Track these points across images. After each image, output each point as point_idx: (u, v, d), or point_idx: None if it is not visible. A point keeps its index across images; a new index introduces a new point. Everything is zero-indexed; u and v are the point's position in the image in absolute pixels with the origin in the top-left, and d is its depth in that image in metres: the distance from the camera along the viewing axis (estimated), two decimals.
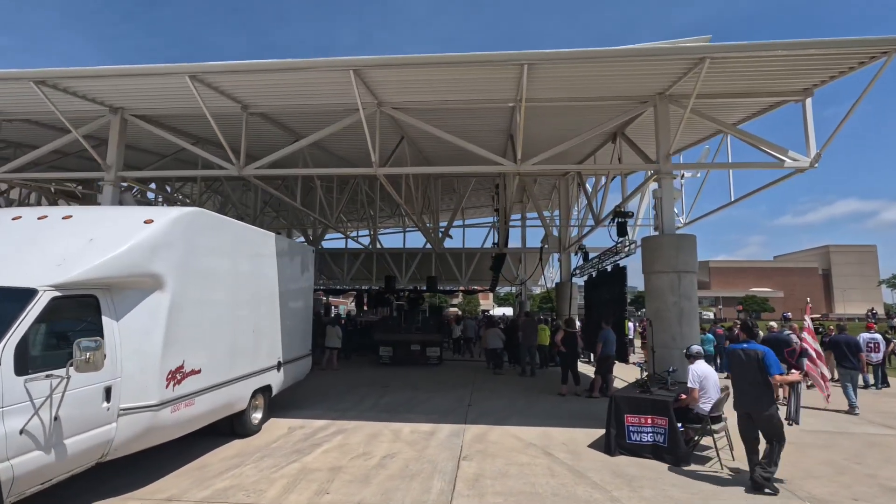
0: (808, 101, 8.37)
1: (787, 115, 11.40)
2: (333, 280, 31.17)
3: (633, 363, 13.22)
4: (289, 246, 8.37)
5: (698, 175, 13.67)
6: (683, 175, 14.14)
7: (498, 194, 16.88)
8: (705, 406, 5.99)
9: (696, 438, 6.14)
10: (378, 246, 24.46)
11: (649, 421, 6.13)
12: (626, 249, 11.43)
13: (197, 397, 5.40)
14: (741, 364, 5.22)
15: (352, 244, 26.64)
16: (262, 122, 9.96)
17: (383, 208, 22.25)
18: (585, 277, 15.81)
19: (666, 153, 8.45)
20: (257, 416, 7.18)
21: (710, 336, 14.98)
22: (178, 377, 5.05)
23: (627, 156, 10.80)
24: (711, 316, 71.98)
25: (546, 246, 19.25)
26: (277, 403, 8.73)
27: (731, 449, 6.21)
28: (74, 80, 7.97)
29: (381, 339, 16.16)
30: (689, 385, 6.09)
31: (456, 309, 59.14)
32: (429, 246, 23.11)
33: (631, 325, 19.17)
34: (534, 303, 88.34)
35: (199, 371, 5.42)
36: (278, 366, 7.64)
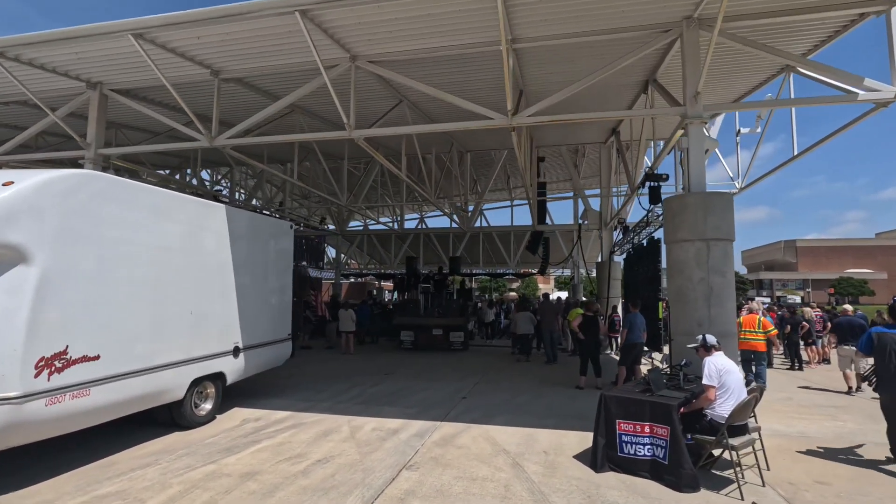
0: (894, 10, 6.29)
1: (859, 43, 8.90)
2: (383, 264, 31.17)
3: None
4: (251, 221, 7.60)
5: (757, 130, 11.42)
6: (739, 132, 11.94)
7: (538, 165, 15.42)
8: (723, 410, 4.48)
9: (711, 454, 4.67)
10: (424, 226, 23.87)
11: (647, 429, 4.71)
12: (660, 219, 9.66)
13: (94, 387, 4.72)
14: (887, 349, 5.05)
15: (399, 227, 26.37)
16: (241, 90, 9.23)
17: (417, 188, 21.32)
18: (624, 255, 14.03)
19: (694, 92, 6.72)
20: (206, 406, 6.51)
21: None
22: (59, 364, 4.37)
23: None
24: (798, 300, 65.19)
25: (585, 222, 17.50)
26: (250, 391, 8.13)
27: (762, 469, 4.68)
28: (27, 49, 7.57)
29: (402, 324, 15.34)
30: (704, 381, 4.61)
31: (514, 293, 57.62)
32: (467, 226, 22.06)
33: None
34: (588, 285, 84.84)
35: (96, 357, 4.73)
36: (235, 351, 6.92)
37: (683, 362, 5.42)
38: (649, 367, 7.46)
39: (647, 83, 9.18)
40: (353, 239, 33.86)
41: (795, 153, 8.95)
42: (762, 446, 5.01)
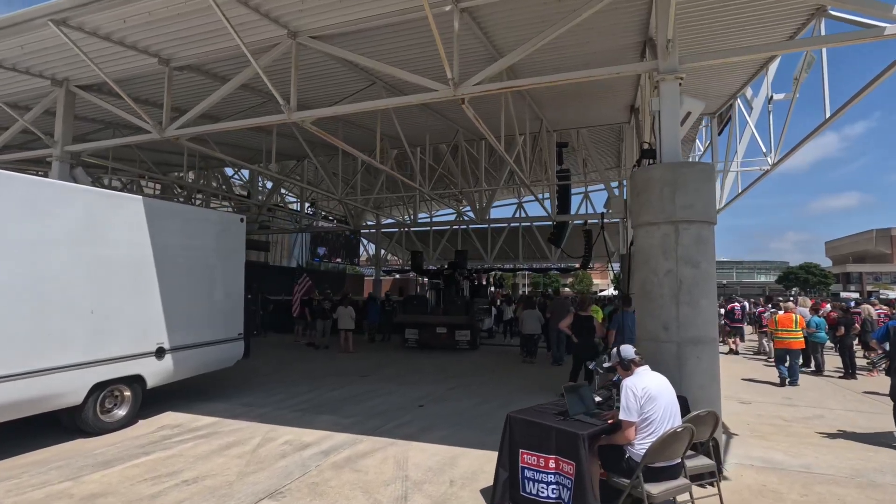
0: None
1: None
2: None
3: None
4: (183, 214, 7.16)
5: (796, 96, 9.58)
6: (772, 98, 10.15)
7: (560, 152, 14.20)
8: (641, 448, 3.36)
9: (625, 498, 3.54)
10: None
11: (552, 464, 3.67)
12: None
13: None
14: None
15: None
16: (199, 78, 8.87)
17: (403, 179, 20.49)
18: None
19: (665, 42, 5.46)
20: (120, 411, 6.12)
21: (820, 320, 10.79)
22: None
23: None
24: (893, 296, 57.87)
25: (609, 210, 15.96)
26: (201, 391, 7.78)
27: None
28: None
29: (405, 321, 14.65)
30: (620, 416, 3.49)
31: (568, 289, 55.65)
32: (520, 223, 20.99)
33: None
34: (613, 281, 79.97)
35: None
36: (159, 353, 6.49)
37: (616, 378, 4.22)
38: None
39: (645, 44, 7.86)
40: (391, 235, 33.81)
41: (827, 116, 7.30)
42: (719, 494, 3.80)
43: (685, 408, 4.62)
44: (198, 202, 21.22)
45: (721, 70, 9.60)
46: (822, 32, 7.85)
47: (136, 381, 6.23)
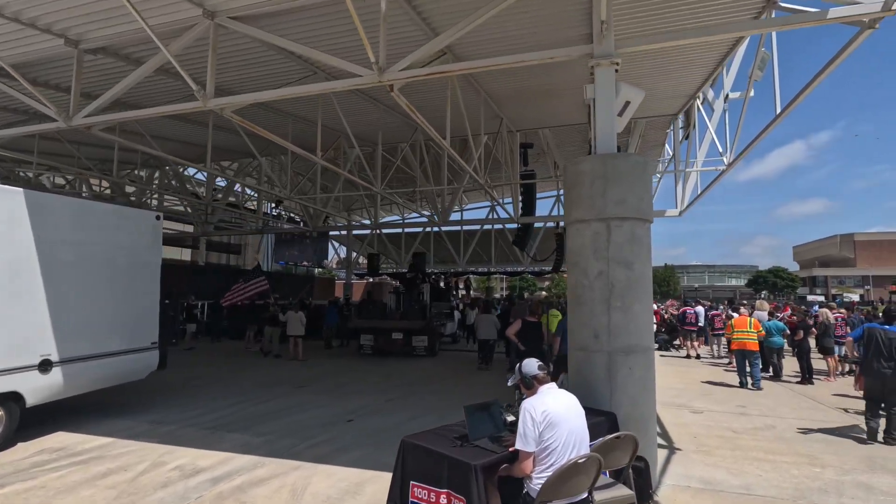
0: None
1: None
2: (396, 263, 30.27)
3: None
4: (76, 211, 6.41)
5: (751, 94, 9.32)
6: (727, 97, 9.89)
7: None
8: (540, 482, 2.82)
9: None
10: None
11: (444, 500, 3.12)
12: None
13: None
14: (879, 343, 6.02)
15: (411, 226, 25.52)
16: (117, 63, 8.11)
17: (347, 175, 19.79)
18: None
19: (600, 25, 5.02)
20: None
21: (779, 323, 10.58)
22: None
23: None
24: (857, 298, 59.52)
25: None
26: (113, 406, 7.04)
27: None
28: None
29: (360, 327, 14.00)
30: (516, 444, 2.94)
31: (544, 292, 55.41)
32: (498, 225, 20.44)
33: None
34: None
35: None
36: (43, 366, 5.74)
37: (520, 394, 3.67)
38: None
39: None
40: (362, 237, 33.09)
41: (778, 111, 6.98)
42: None
43: (614, 426, 4.15)
44: (153, 202, 20.26)
45: (677, 68, 9.31)
46: (773, 37, 7.65)
47: (10, 398, 5.47)
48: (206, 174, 17.58)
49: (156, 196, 19.30)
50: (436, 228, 25.66)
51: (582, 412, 3.06)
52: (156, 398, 7.86)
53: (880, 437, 6.06)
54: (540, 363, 3.17)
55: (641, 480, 3.94)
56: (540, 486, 2.75)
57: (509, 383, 3.27)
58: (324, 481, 4.59)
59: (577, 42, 7.77)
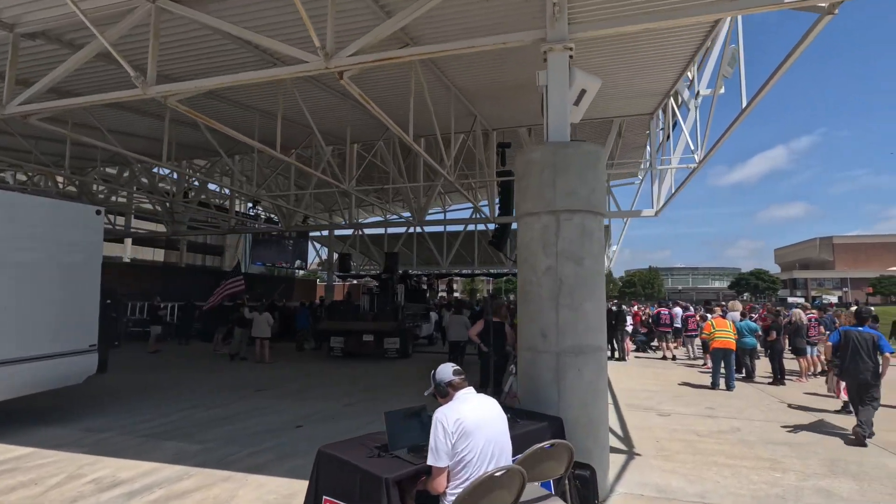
0: None
1: None
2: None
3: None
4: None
5: (721, 91, 9.17)
6: (699, 93, 9.76)
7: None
8: (451, 497, 2.52)
9: None
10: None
11: None
12: None
13: None
14: (857, 344, 6.09)
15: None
16: (58, 49, 7.68)
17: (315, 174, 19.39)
18: None
19: (552, 7, 4.77)
20: None
21: (752, 324, 10.47)
22: None
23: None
24: (835, 300, 60.44)
25: None
26: (45, 412, 6.61)
27: None
28: None
29: (329, 329, 13.62)
30: (428, 457, 2.64)
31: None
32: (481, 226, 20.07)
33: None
34: (612, 288, 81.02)
35: None
36: None
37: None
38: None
39: None
40: (345, 238, 32.69)
41: (744, 105, 6.82)
42: None
43: (559, 432, 3.88)
44: (121, 199, 19.65)
45: (649, 64, 9.16)
46: (740, 26, 7.50)
47: None
48: (174, 172, 17.06)
49: (123, 195, 18.75)
50: (417, 229, 25.46)
51: (504, 419, 2.78)
52: (101, 404, 7.43)
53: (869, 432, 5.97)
54: (456, 368, 2.87)
55: (586, 490, 3.68)
56: (453, 499, 2.45)
57: (426, 393, 2.96)
58: (251, 493, 4.24)
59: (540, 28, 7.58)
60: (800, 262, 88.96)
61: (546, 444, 2.93)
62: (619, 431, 6.39)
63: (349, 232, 31.51)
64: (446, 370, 2.86)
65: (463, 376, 2.86)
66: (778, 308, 13.75)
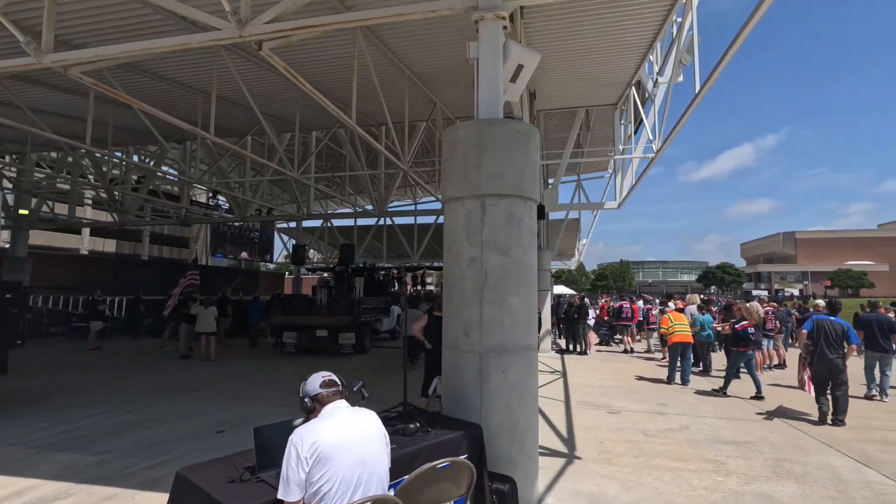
0: None
1: None
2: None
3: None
4: None
5: (679, 79, 8.90)
6: (657, 81, 9.51)
7: None
8: None
9: None
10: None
11: None
12: None
13: None
14: (828, 333, 6.54)
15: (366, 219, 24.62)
16: None
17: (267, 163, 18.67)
18: None
19: None
20: None
21: (708, 318, 10.34)
22: None
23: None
24: (796, 293, 62.45)
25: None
26: None
27: None
28: None
29: (281, 323, 13.01)
30: (279, 489, 2.17)
31: None
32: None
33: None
34: (584, 281, 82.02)
35: None
36: None
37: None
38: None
39: None
40: (313, 230, 31.88)
41: (698, 89, 6.53)
42: None
43: (476, 442, 3.48)
44: (63, 186, 18.45)
45: (609, 49, 8.84)
46: (694, 5, 7.22)
47: None
48: (119, 158, 16.02)
49: (64, 182, 17.59)
50: (387, 221, 24.90)
51: (381, 437, 2.33)
52: (5, 410, 6.72)
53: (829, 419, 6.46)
54: (328, 378, 2.42)
55: None
56: None
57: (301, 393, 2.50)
58: None
59: None
60: (764, 256, 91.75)
61: (439, 462, 2.50)
62: (565, 433, 6.07)
63: (318, 224, 30.79)
64: (315, 381, 2.40)
65: (336, 388, 2.40)
66: (736, 301, 13.75)
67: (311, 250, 33.66)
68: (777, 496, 4.20)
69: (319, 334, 12.70)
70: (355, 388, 3.68)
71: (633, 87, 10.87)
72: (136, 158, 16.09)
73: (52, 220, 18.85)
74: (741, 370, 8.56)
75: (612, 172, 17.12)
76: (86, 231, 32.28)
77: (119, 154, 14.88)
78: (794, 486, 4.41)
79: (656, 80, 9.35)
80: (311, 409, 2.33)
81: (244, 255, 28.45)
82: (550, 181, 15.73)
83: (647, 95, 10.53)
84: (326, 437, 2.12)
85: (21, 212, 18.29)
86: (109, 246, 33.35)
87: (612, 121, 13.43)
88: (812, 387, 6.73)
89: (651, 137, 9.83)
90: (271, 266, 36.34)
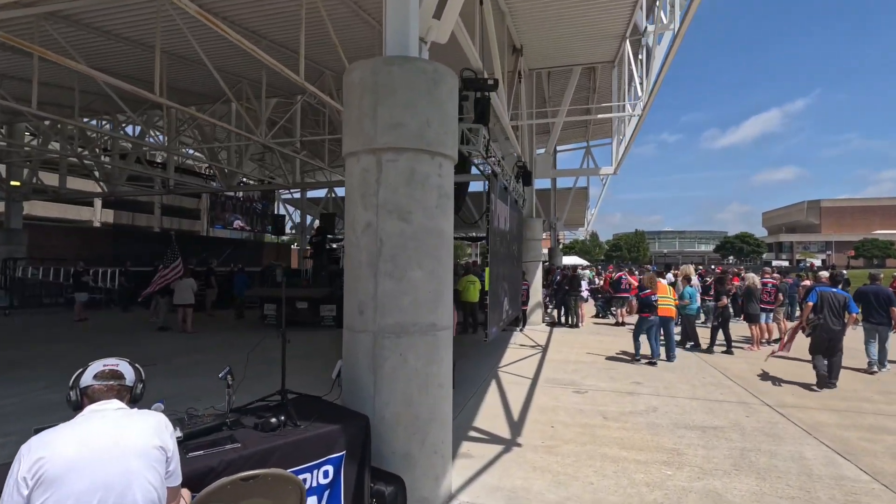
0: None
1: None
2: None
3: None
4: None
5: (671, 27, 7.95)
6: (646, 29, 8.58)
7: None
8: None
9: None
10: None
11: None
12: None
13: None
14: (831, 304, 6.84)
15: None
16: None
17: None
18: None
19: None
20: None
21: (692, 290, 9.66)
22: None
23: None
24: (819, 263, 60.39)
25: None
26: None
27: None
28: None
29: (259, 295, 12.71)
30: None
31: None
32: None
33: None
34: (598, 251, 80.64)
35: None
36: None
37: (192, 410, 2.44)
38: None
39: None
40: (317, 201, 31.57)
41: (677, 27, 5.71)
42: None
43: (356, 439, 2.99)
44: (52, 155, 18.25)
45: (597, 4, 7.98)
46: None
47: None
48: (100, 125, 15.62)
49: (51, 152, 17.32)
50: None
51: (147, 452, 1.80)
52: None
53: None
54: (110, 367, 1.93)
55: None
56: None
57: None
58: None
59: None
60: (787, 225, 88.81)
61: (242, 475, 2.02)
62: (517, 416, 5.59)
63: (322, 194, 30.34)
64: (92, 370, 1.92)
65: (115, 382, 1.91)
66: (728, 271, 12.99)
67: (317, 222, 33.32)
68: (727, 495, 3.67)
69: (300, 306, 12.39)
70: (221, 375, 3.22)
71: (628, 43, 9.96)
72: (111, 127, 15.66)
73: (43, 192, 18.75)
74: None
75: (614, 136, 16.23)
76: (97, 202, 32.38)
77: (94, 122, 14.46)
78: (753, 483, 3.88)
79: (645, 27, 8.43)
80: (76, 405, 1.86)
81: (237, 224, 28.14)
82: (540, 150, 14.90)
83: (645, 52, 9.64)
84: (59, 452, 1.64)
85: (13, 183, 18.21)
86: (123, 218, 33.49)
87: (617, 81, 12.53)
88: (789, 346, 7.42)
89: (639, 93, 8.97)
90: (283, 238, 36.09)
